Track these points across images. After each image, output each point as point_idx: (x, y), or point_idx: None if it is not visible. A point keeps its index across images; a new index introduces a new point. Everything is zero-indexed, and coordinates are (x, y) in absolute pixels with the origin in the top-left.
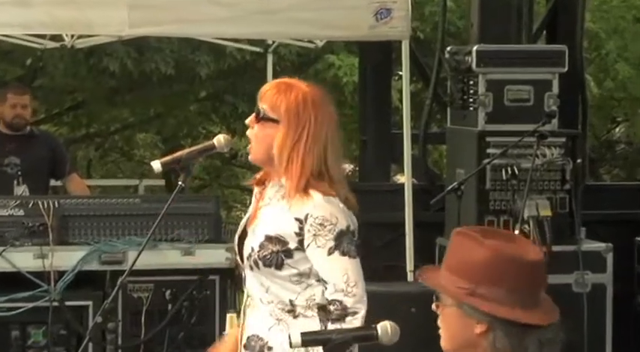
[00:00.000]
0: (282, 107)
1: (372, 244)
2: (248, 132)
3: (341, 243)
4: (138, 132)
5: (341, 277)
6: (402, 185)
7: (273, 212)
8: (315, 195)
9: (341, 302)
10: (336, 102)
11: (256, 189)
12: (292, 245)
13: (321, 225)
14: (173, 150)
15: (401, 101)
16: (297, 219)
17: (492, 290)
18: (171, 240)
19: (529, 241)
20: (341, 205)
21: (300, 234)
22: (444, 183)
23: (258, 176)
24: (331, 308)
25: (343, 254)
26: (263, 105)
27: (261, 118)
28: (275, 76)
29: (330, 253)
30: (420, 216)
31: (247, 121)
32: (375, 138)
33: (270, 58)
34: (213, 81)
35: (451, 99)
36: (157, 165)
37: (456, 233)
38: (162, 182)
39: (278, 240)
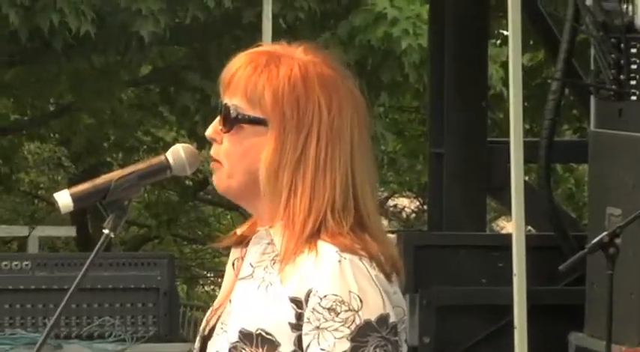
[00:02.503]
0: (266, 95)
1: (456, 341)
2: (213, 152)
3: (363, 345)
4: (26, 140)
5: None
6: (509, 236)
7: (255, 289)
8: (326, 253)
9: None
10: (391, 84)
11: (235, 253)
12: (287, 347)
13: (330, 310)
14: (91, 173)
15: (505, 83)
16: (293, 300)
17: None
18: (88, 338)
19: None
20: (373, 273)
21: (298, 327)
22: (585, 234)
23: (240, 230)
24: None
25: None
26: (232, 100)
27: (233, 122)
28: (277, 38)
29: None
30: (541, 294)
31: (208, 133)
32: (458, 152)
33: (267, 7)
34: (164, 48)
35: (597, 81)
36: (64, 198)
37: None
38: (71, 231)
39: (262, 339)
